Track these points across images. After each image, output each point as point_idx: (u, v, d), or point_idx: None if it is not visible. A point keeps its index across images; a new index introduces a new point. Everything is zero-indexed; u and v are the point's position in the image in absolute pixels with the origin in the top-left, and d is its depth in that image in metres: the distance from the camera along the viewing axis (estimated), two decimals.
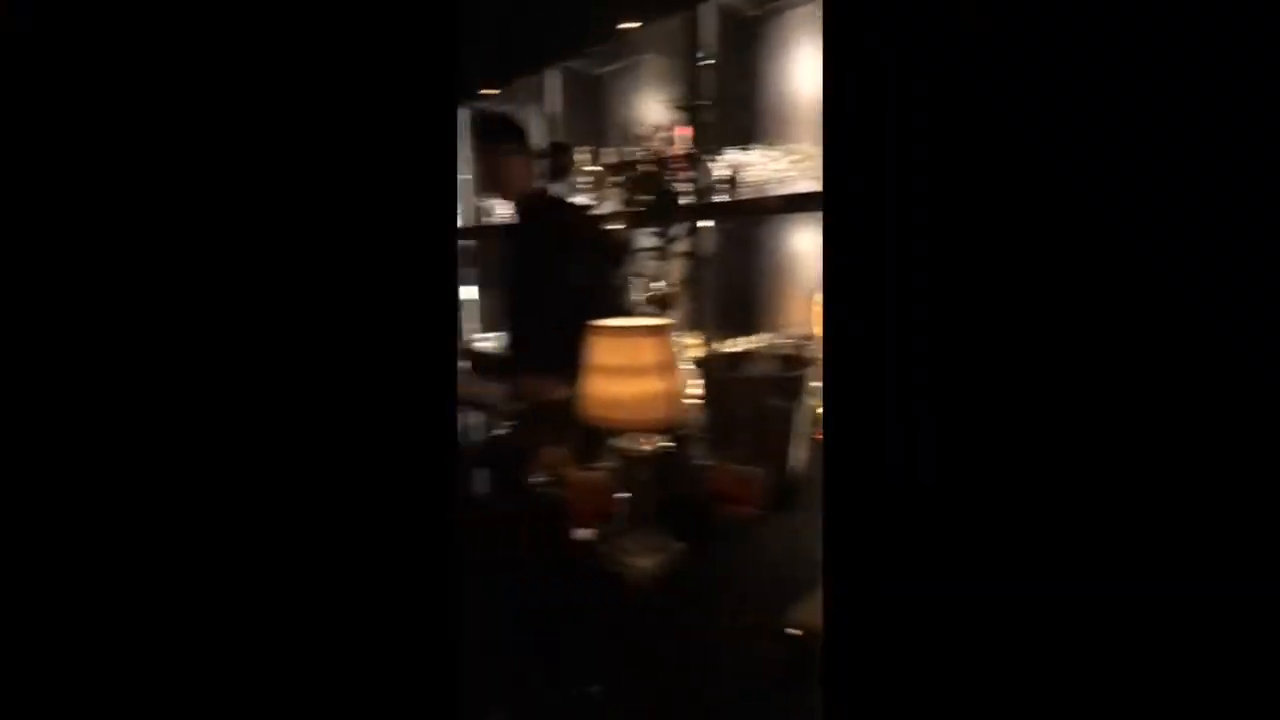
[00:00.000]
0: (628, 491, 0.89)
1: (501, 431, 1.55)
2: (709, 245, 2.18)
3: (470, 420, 1.66)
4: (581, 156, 2.60)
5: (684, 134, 2.16)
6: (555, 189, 2.51)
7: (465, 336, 3.27)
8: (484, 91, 3.13)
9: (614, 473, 0.93)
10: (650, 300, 2.17)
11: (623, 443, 0.85)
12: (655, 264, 2.20)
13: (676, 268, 2.19)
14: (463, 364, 2.63)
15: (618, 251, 2.27)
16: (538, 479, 1.09)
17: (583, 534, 0.92)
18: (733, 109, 2.12)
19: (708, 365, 1.42)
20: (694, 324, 2.16)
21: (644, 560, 0.84)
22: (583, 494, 0.92)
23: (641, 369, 0.82)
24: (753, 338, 2.03)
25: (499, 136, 1.75)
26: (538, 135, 2.69)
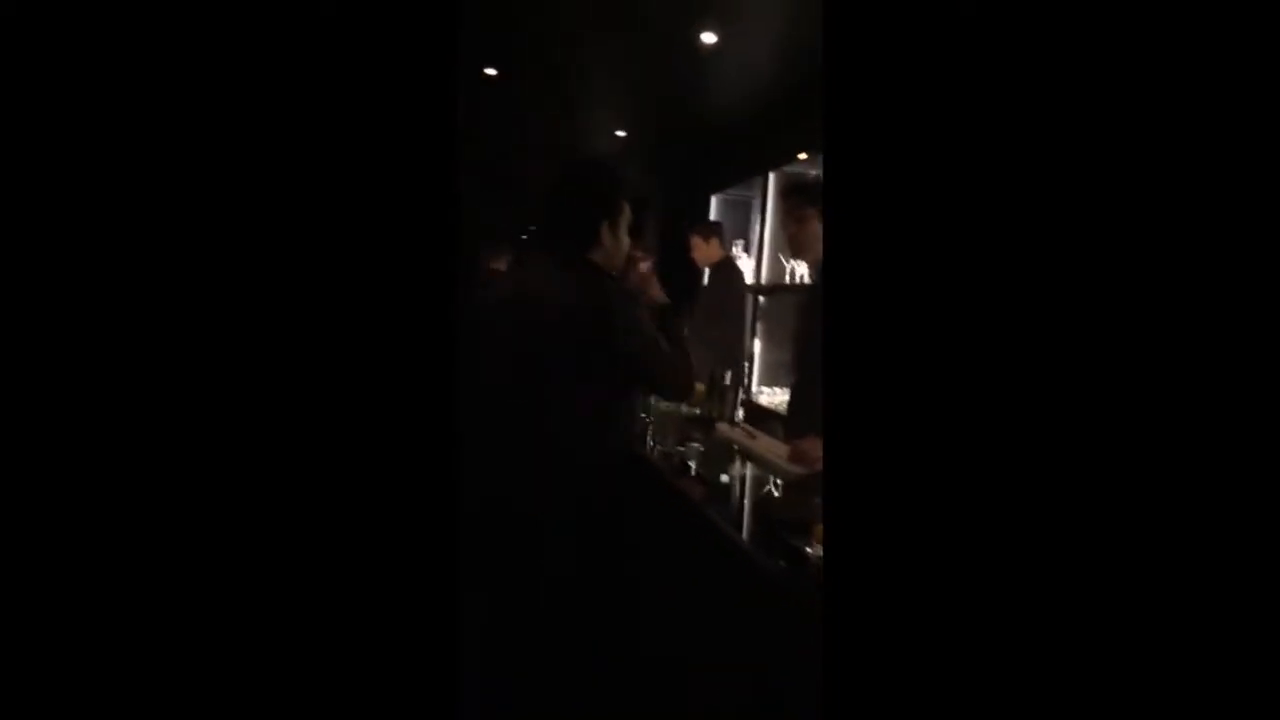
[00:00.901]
0: None
1: (775, 492, 1.53)
2: None
3: (742, 472, 1.67)
4: None
5: None
6: None
7: (751, 389, 3.34)
8: (800, 156, 3.21)
9: None
10: None
11: None
12: None
13: None
14: (741, 414, 2.67)
15: None
16: (817, 553, 1.05)
17: None
18: None
19: None
20: None
21: None
22: None
23: None
24: None
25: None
26: None
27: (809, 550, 1.04)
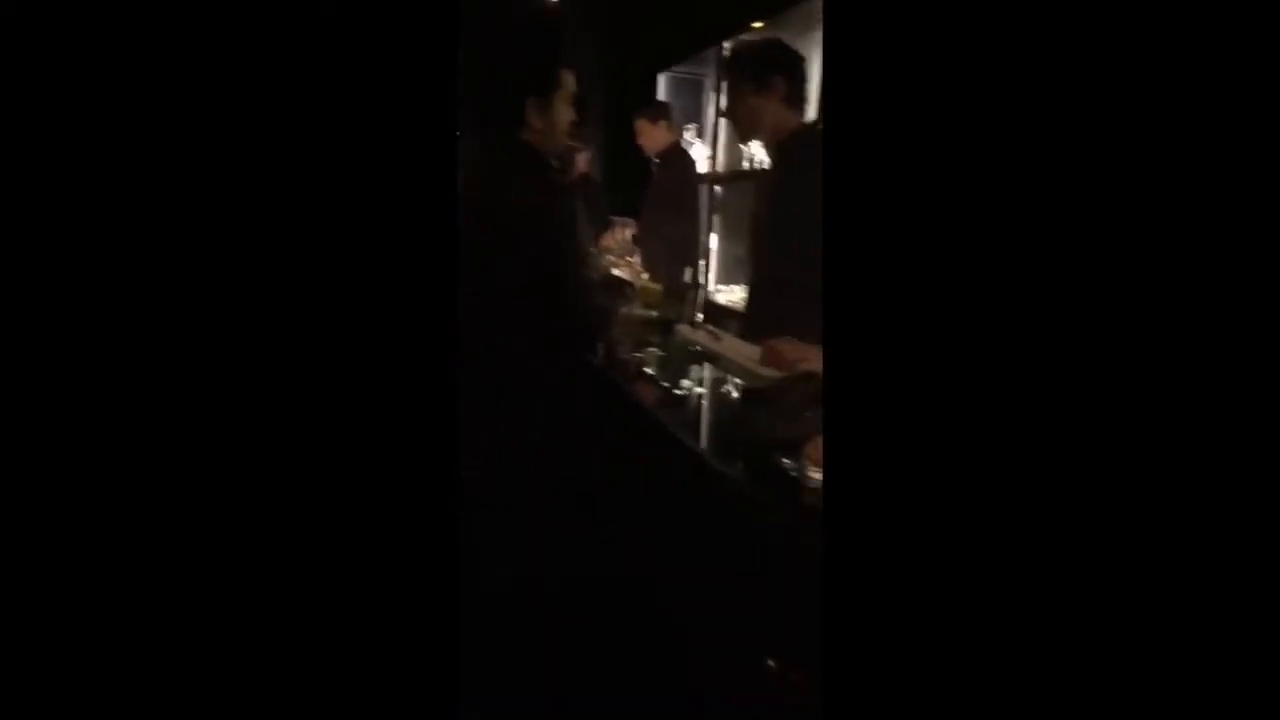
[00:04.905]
0: None
1: (755, 403, 1.36)
2: None
3: (706, 375, 1.50)
4: None
5: None
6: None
7: (709, 287, 3.15)
8: (755, 24, 2.85)
9: None
10: None
11: None
12: None
13: None
14: (700, 315, 2.50)
15: None
16: (809, 475, 0.87)
17: None
18: None
19: None
20: None
21: None
22: None
23: None
24: None
25: (750, 70, 1.52)
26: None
27: (810, 475, 0.87)
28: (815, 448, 0.89)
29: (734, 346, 1.58)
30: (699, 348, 1.64)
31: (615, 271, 1.94)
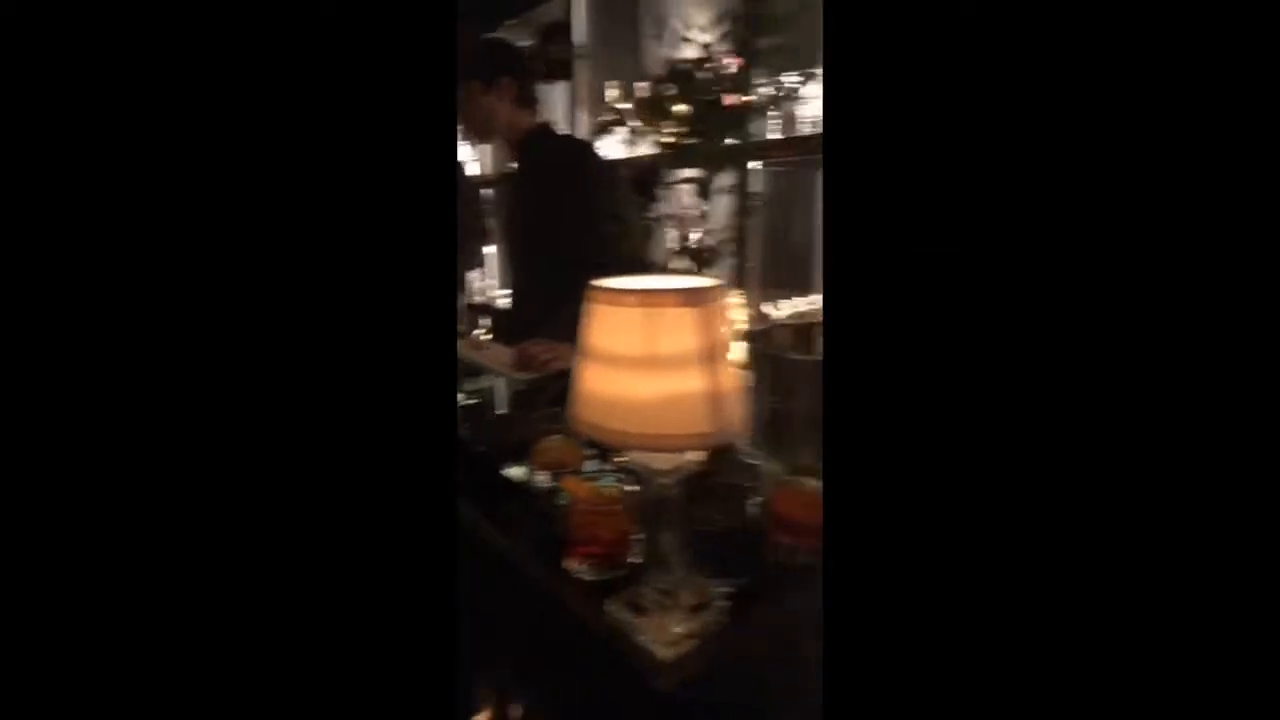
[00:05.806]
0: (646, 521, 0.65)
1: (501, 410, 1.33)
2: (759, 187, 1.89)
3: (483, 386, 1.45)
4: (613, 91, 2.31)
5: (733, 60, 1.85)
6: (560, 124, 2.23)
7: (487, 293, 3.07)
8: (508, 22, 2.82)
9: (629, 493, 0.70)
10: (685, 252, 1.90)
11: (638, 458, 0.61)
12: (692, 210, 1.93)
13: (723, 214, 1.90)
14: (485, 322, 2.44)
15: (643, 193, 2.01)
16: (540, 479, 0.86)
17: (578, 569, 0.69)
18: (790, 29, 1.80)
19: (760, 339, 1.14)
20: (736, 282, 1.88)
21: (671, 623, 0.61)
22: (586, 515, 0.68)
23: (673, 359, 0.56)
24: (812, 298, 1.76)
25: (477, 70, 1.50)
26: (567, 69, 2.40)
27: (537, 483, 0.85)
28: (541, 450, 0.88)
29: (494, 353, 1.54)
30: (461, 359, 1.58)
31: None
